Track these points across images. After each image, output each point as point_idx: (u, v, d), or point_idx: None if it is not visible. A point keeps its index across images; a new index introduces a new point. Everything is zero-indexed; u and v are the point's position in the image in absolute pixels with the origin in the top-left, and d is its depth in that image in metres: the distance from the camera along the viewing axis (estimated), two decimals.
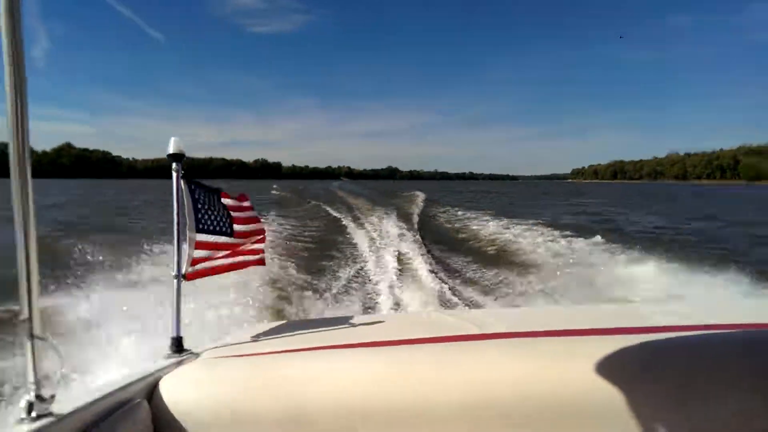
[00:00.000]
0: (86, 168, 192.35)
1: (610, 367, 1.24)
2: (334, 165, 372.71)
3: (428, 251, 10.04)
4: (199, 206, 1.78)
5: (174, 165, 1.70)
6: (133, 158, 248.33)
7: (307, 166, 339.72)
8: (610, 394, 1.18)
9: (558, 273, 7.51)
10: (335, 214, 19.46)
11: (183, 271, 1.73)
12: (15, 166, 1.02)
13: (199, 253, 1.78)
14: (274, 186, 57.81)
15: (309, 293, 6.42)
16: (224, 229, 1.86)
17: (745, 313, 2.04)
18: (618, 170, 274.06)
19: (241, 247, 1.97)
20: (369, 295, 6.63)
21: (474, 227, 14.77)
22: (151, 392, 1.34)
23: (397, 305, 6.10)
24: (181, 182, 1.72)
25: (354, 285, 7.26)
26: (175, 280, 1.71)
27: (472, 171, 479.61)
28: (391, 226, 14.14)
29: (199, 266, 1.79)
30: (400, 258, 9.03)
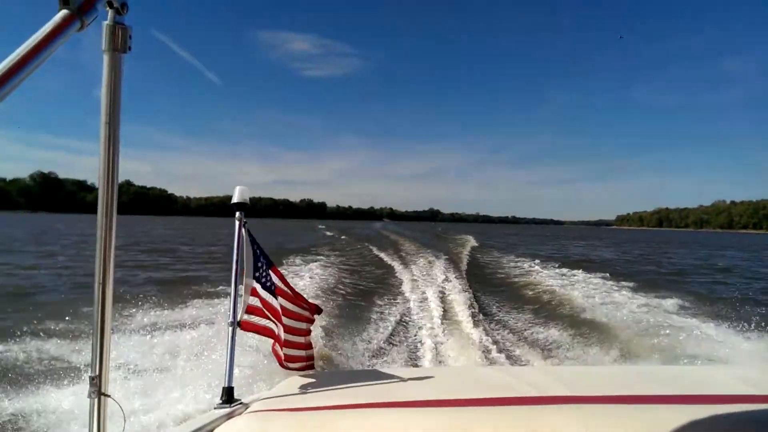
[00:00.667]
0: (144, 204, 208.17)
1: None
2: (377, 206, 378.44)
3: (475, 299, 9.75)
4: (258, 254, 1.81)
5: (237, 214, 1.74)
6: (187, 196, 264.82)
7: (350, 207, 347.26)
8: None
9: (622, 333, 6.97)
10: (380, 254, 19.50)
11: (239, 318, 1.75)
12: (102, 228, 1.08)
13: (254, 302, 1.80)
14: (320, 226, 59.03)
15: (352, 340, 6.36)
16: (270, 286, 1.84)
17: None
18: (663, 218, 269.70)
19: (287, 334, 1.91)
20: (413, 344, 6.53)
21: (521, 273, 14.57)
22: None
23: (440, 356, 5.99)
24: (243, 231, 1.76)
25: (399, 331, 7.19)
26: (230, 328, 1.71)
27: (515, 215, 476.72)
28: (438, 271, 13.81)
29: (254, 319, 1.82)
30: (446, 306, 8.83)
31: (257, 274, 1.79)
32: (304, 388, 1.72)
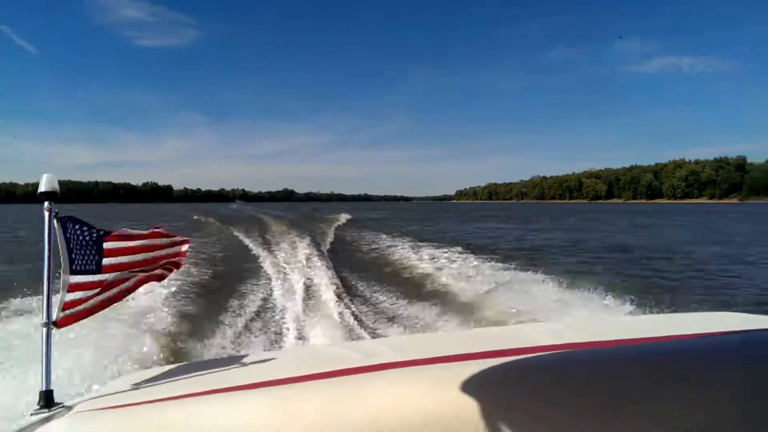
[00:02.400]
0: None
1: (488, 388, 1.28)
2: (228, 187, 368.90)
3: (338, 278, 9.84)
4: (72, 246, 1.66)
5: (47, 204, 1.58)
6: (11, 182, 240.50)
7: (199, 189, 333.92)
8: (491, 416, 1.20)
9: (472, 300, 7.32)
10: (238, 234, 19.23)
11: (54, 317, 1.61)
12: None
13: (72, 296, 1.65)
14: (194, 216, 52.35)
15: (209, 329, 6.08)
16: (95, 267, 1.71)
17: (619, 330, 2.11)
18: (492, 192, 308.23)
19: (118, 282, 1.79)
20: (276, 329, 6.42)
21: (380, 250, 14.83)
22: None
23: (302, 339, 5.99)
24: (54, 222, 1.60)
25: (261, 318, 6.98)
26: (44, 329, 1.59)
27: (367, 192, 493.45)
28: (301, 251, 13.74)
29: (74, 309, 1.66)
30: (308, 287, 8.79)
31: (74, 267, 1.63)
32: (137, 385, 1.63)
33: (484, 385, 1.29)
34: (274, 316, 7.04)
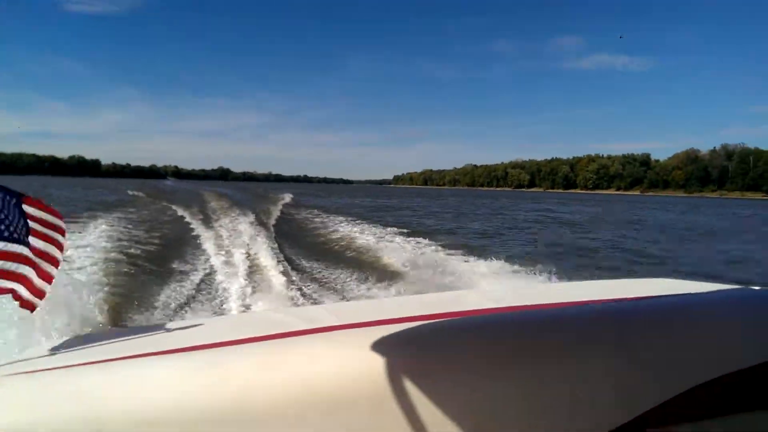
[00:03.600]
0: None
1: (420, 349, 1.31)
2: (160, 164, 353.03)
3: (280, 251, 10.11)
4: None
5: None
6: None
7: (128, 165, 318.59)
8: (422, 375, 1.23)
9: (410, 272, 8.01)
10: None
11: None
12: None
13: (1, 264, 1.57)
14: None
15: (142, 301, 6.04)
16: (18, 237, 1.60)
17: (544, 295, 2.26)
18: (428, 178, 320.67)
19: (32, 265, 1.65)
20: (216, 301, 6.47)
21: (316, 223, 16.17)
22: None
23: (243, 303, 6.15)
24: None
25: (201, 290, 7.05)
26: None
27: (306, 174, 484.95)
28: (241, 224, 14.24)
29: None
30: (251, 260, 8.94)
31: (4, 234, 1.55)
32: (55, 350, 1.59)
33: (416, 347, 1.33)
34: (217, 290, 6.99)
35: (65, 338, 1.87)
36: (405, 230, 15.14)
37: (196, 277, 7.89)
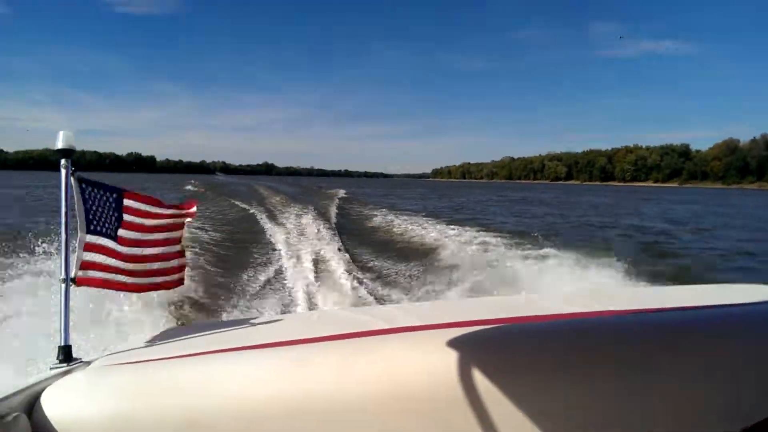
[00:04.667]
0: None
1: (499, 354, 1.33)
2: (208, 159, 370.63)
3: (345, 248, 10.15)
4: (90, 205, 1.66)
5: (63, 161, 1.58)
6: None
7: (181, 160, 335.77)
8: (501, 380, 1.24)
9: (473, 270, 7.76)
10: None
11: (72, 274, 1.63)
12: None
13: (91, 257, 1.68)
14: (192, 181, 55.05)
15: (221, 293, 6.38)
16: (113, 231, 1.72)
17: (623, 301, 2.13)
18: (465, 171, 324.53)
19: (142, 264, 1.79)
20: (285, 294, 6.70)
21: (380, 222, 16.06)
22: (32, 406, 1.27)
23: (313, 305, 6.25)
24: (71, 180, 1.60)
25: (271, 283, 7.31)
26: (63, 285, 1.61)
27: (347, 168, 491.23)
28: (302, 219, 14.67)
29: (92, 273, 1.69)
30: (317, 255, 9.15)
31: (95, 226, 1.65)
32: (152, 342, 1.71)
33: (496, 350, 1.33)
34: (284, 285, 7.25)
35: (156, 332, 1.93)
36: (474, 227, 13.94)
37: (265, 271, 8.06)
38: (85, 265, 1.68)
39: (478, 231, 12.74)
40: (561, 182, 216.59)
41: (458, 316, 1.75)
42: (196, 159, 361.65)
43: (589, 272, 7.01)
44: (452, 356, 1.29)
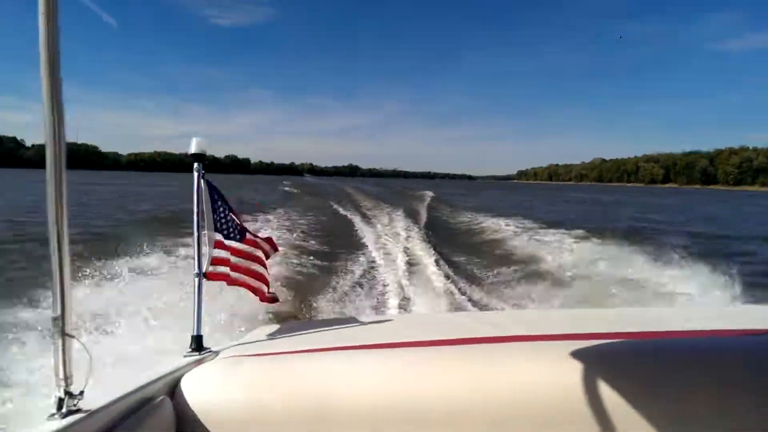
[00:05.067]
0: (75, 160, 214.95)
1: (629, 371, 1.28)
2: (297, 161, 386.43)
3: (436, 249, 10.04)
4: (217, 206, 1.82)
5: (196, 165, 1.73)
6: (116, 152, 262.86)
7: (273, 162, 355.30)
8: (621, 399, 1.20)
9: (567, 275, 7.59)
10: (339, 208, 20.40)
11: (204, 269, 1.78)
12: (51, 167, 1.04)
13: (220, 254, 1.83)
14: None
15: (319, 291, 6.60)
16: (236, 235, 1.88)
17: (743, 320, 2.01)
18: (552, 173, 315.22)
19: (253, 266, 1.96)
20: (378, 292, 6.79)
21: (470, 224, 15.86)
22: (173, 390, 1.38)
23: (405, 300, 6.33)
24: (202, 182, 1.76)
25: (363, 282, 7.41)
26: (196, 279, 1.76)
27: (430, 170, 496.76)
28: (393, 220, 14.90)
29: (221, 269, 1.84)
30: (408, 256, 9.19)
31: (220, 226, 1.82)
32: (273, 335, 1.81)
33: (628, 367, 1.28)
34: (377, 281, 7.40)
35: (275, 326, 2.02)
36: (572, 229, 13.03)
37: (358, 270, 8.13)
38: (214, 262, 1.81)
39: (581, 235, 12.01)
40: (658, 185, 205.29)
41: (575, 328, 1.70)
42: (286, 161, 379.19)
43: (713, 289, 6.34)
44: (581, 369, 1.25)
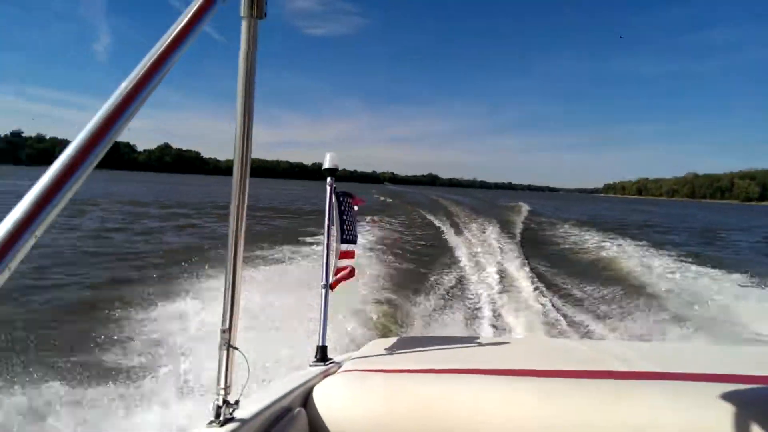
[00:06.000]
0: (182, 165, 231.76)
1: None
2: (378, 170, 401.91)
3: (528, 263, 10.13)
4: (344, 217, 1.92)
5: (329, 179, 1.84)
6: (215, 158, 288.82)
7: (356, 170, 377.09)
8: None
9: (668, 293, 7.36)
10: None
11: (330, 281, 1.85)
12: (236, 191, 1.11)
13: (342, 263, 1.93)
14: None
15: (409, 304, 6.64)
16: (353, 239, 2.01)
17: None
18: (642, 187, 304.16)
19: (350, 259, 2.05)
20: (469, 309, 6.74)
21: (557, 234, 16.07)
22: (305, 400, 1.44)
23: (497, 318, 6.30)
24: (333, 196, 1.85)
25: (452, 296, 7.43)
26: (323, 290, 1.82)
27: (510, 181, 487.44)
28: (485, 232, 15.27)
29: (340, 275, 1.93)
30: (501, 272, 9.24)
31: (345, 236, 1.90)
32: (390, 350, 1.83)
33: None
34: (473, 301, 7.17)
35: (389, 341, 2.03)
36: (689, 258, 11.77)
37: (450, 285, 8.12)
38: (338, 271, 1.91)
39: (694, 262, 10.98)
40: (753, 203, 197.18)
41: (712, 367, 1.58)
42: (368, 169, 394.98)
43: None
44: (728, 415, 1.19)
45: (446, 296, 7.47)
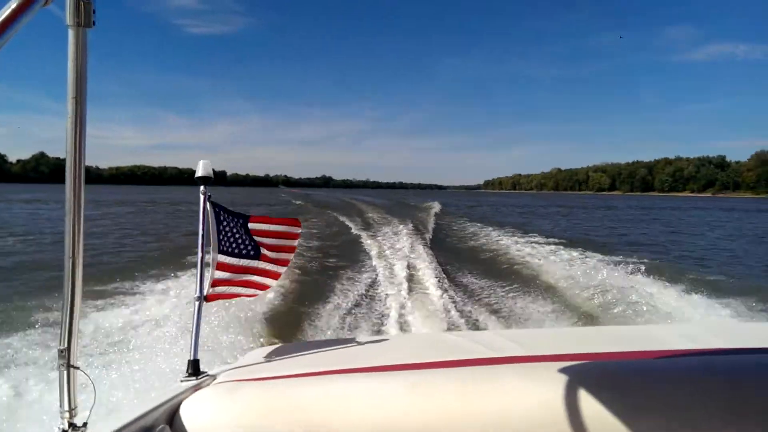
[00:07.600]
0: (57, 175, 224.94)
1: (618, 391, 1.29)
2: (272, 173, 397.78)
3: (436, 260, 10.29)
4: (222, 227, 1.84)
5: (202, 188, 1.77)
6: (96, 166, 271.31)
7: (248, 175, 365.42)
8: (613, 421, 1.21)
9: (560, 284, 7.88)
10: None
11: (205, 292, 1.79)
12: (70, 203, 1.06)
13: (221, 275, 1.85)
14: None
15: (317, 310, 6.60)
16: (248, 252, 1.92)
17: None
18: (516, 182, 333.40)
19: (260, 273, 1.99)
20: (379, 312, 6.75)
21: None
22: (172, 417, 1.38)
23: (401, 316, 6.42)
24: (208, 205, 1.79)
25: (365, 298, 7.47)
26: (197, 302, 1.75)
27: (401, 180, 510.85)
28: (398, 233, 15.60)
29: (219, 289, 1.86)
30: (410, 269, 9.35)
31: (225, 247, 1.83)
32: (269, 358, 1.78)
33: (612, 387, 1.29)
34: (377, 302, 7.27)
35: (266, 347, 2.01)
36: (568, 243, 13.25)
37: (359, 288, 8.17)
38: (215, 283, 1.83)
39: (575, 249, 12.12)
40: (604, 193, 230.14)
41: (568, 347, 1.72)
42: (261, 173, 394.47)
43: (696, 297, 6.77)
44: (572, 391, 1.28)
45: (353, 297, 7.65)
